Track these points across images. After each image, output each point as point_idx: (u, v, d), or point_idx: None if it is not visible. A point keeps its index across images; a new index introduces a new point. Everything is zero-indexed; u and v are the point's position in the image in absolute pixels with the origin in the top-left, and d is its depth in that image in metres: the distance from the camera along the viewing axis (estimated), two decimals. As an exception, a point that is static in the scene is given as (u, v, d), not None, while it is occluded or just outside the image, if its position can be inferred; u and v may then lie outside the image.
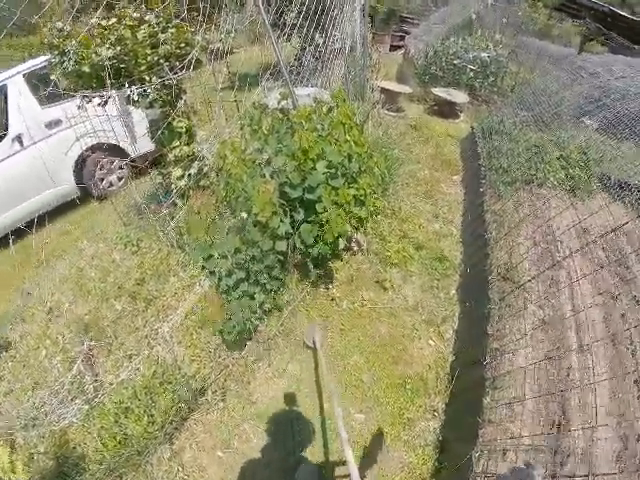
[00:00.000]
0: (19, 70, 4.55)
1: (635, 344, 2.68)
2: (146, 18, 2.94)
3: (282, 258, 2.52)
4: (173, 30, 3.01)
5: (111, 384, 2.76)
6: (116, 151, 5.26)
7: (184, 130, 3.30)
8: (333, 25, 5.24)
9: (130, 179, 5.36)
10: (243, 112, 2.81)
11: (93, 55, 2.85)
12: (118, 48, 2.88)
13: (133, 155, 5.12)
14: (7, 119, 4.46)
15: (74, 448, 2.44)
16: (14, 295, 3.89)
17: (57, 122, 4.73)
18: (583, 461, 2.01)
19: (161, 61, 3.02)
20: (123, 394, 2.60)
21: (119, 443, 2.38)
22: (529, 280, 3.08)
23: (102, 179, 5.40)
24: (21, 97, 4.57)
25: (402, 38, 10.91)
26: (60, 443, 2.46)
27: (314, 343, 2.77)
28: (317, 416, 2.55)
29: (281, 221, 2.29)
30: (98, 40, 2.92)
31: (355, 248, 3.43)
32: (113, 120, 4.10)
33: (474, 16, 9.16)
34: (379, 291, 3.27)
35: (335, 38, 5.47)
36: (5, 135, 4.47)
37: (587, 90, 4.99)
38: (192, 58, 2.81)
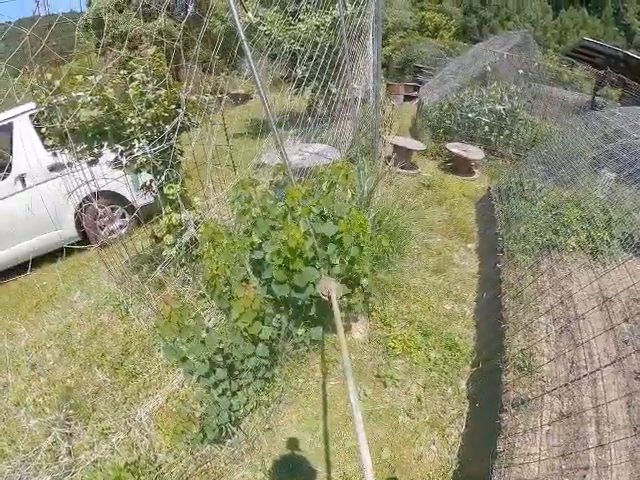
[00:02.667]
0: (25, 110, 4.55)
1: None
2: (136, 76, 2.79)
3: (266, 362, 2.21)
4: (162, 92, 2.83)
5: (86, 461, 2.54)
6: (118, 199, 5.15)
7: (175, 197, 3.09)
8: (345, 78, 5.12)
9: (133, 229, 5.25)
10: (233, 186, 2.58)
11: (77, 115, 2.69)
12: (105, 108, 2.72)
13: (136, 205, 5.02)
14: (11, 158, 4.47)
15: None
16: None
17: (60, 166, 4.64)
18: None
19: (148, 124, 2.84)
20: (95, 477, 2.39)
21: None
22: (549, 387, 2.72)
23: (102, 227, 5.24)
24: (26, 137, 4.57)
25: (416, 88, 10.91)
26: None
27: (329, 295, 2.37)
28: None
29: (266, 325, 2.00)
30: (88, 99, 2.77)
31: (356, 335, 3.09)
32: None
33: (489, 68, 9.06)
34: (379, 387, 2.92)
35: (347, 91, 5.34)
36: (9, 174, 4.47)
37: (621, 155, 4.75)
38: (178, 122, 2.61)
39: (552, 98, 9.05)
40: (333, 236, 2.36)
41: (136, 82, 2.88)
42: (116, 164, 3.19)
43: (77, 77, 2.83)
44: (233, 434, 2.54)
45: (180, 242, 3.20)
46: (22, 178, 4.53)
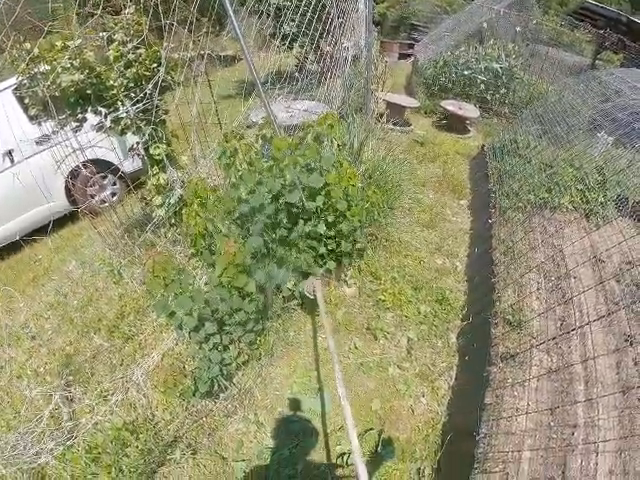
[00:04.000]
0: (8, 85, 4.47)
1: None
2: (115, 37, 2.69)
3: (255, 315, 2.22)
4: (142, 50, 2.74)
5: (86, 425, 2.59)
6: (108, 167, 5.10)
7: (161, 157, 3.04)
8: (335, 34, 4.95)
9: (124, 195, 5.23)
10: (218, 142, 2.53)
11: (58, 80, 2.62)
12: (85, 72, 2.64)
13: (126, 171, 4.97)
14: None
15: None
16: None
17: (47, 138, 4.57)
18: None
19: (131, 85, 2.76)
20: (96, 439, 2.44)
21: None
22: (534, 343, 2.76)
23: (93, 196, 5.21)
24: (10, 112, 4.44)
25: (411, 46, 10.61)
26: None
27: (314, 294, 2.46)
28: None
29: (252, 278, 2.00)
30: (68, 64, 2.68)
31: (345, 289, 3.10)
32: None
33: (485, 25, 8.78)
34: (370, 339, 2.95)
35: (337, 47, 5.19)
36: None
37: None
38: (159, 80, 2.53)
39: (550, 57, 8.82)
40: (320, 188, 2.34)
41: (115, 43, 2.78)
42: (100, 127, 3.13)
43: (56, 43, 2.73)
44: (226, 388, 2.59)
45: (168, 202, 3.17)
46: (10, 154, 4.50)
